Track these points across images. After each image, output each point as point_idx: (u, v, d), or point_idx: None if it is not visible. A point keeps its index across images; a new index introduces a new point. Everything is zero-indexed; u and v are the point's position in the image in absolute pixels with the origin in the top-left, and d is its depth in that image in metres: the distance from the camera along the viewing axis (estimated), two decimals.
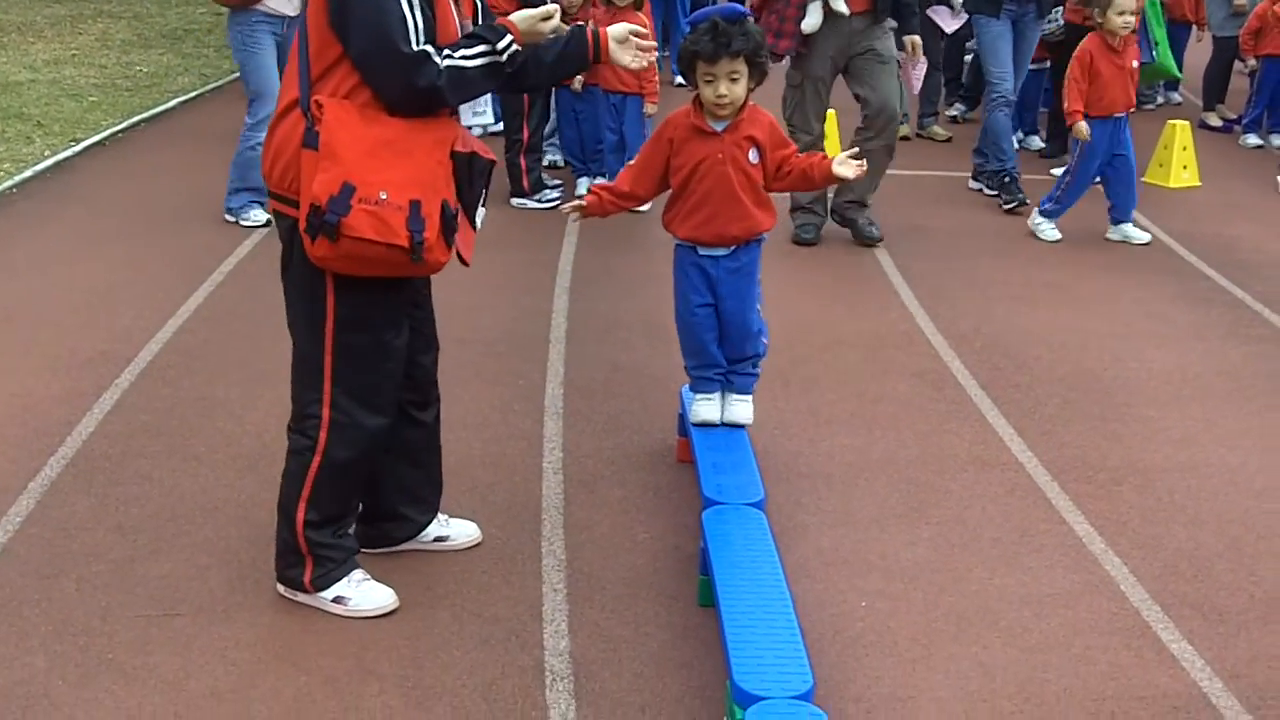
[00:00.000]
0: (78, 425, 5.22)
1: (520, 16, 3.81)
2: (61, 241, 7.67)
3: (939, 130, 10.90)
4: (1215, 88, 11.69)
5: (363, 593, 4.01)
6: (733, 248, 4.60)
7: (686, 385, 4.87)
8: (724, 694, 3.47)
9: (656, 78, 8.78)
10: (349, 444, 3.90)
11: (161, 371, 5.78)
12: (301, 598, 4.03)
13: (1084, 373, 6.09)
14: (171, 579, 4.17)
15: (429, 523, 4.35)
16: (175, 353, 6.00)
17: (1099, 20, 7.88)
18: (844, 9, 7.33)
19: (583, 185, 8.79)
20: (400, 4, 3.55)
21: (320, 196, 3.55)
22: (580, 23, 4.19)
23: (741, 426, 4.70)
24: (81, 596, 4.06)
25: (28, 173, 9.02)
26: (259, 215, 7.80)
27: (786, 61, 7.66)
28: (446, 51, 3.63)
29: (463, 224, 3.77)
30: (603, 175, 8.76)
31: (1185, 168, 9.71)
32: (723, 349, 4.71)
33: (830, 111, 9.78)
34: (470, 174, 3.75)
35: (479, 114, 3.97)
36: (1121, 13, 7.75)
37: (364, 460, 3.99)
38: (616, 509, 4.70)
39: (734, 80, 4.40)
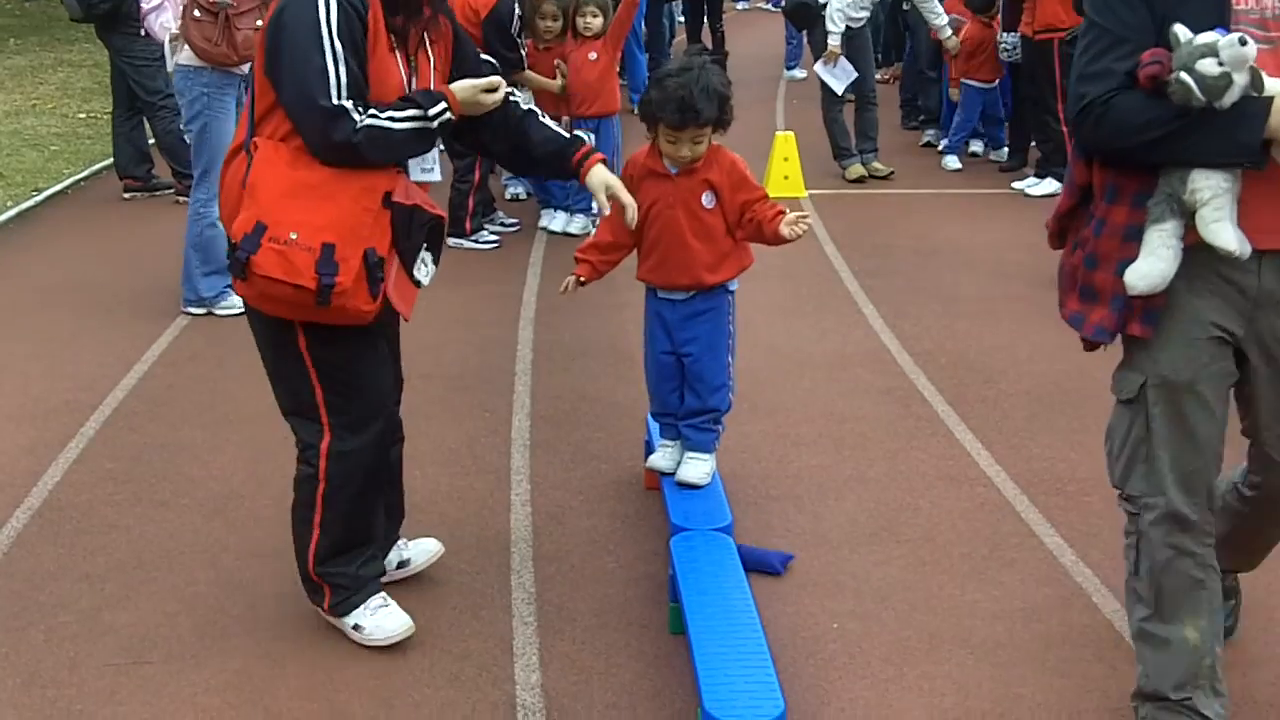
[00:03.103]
0: (43, 475, 5.19)
1: (461, 86, 3.81)
2: (25, 291, 7.64)
3: (879, 166, 10.44)
4: None
5: (376, 621, 4.00)
6: (690, 293, 4.53)
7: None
8: None
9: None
10: (350, 467, 3.89)
11: (126, 418, 5.76)
12: (334, 621, 4.05)
13: (1050, 385, 6.10)
14: (140, 627, 4.14)
15: (388, 558, 4.34)
16: (140, 399, 5.98)
17: None
18: (1234, 244, 3.12)
19: (545, 218, 8.79)
20: (324, 56, 3.54)
21: (237, 235, 3.58)
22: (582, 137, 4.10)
23: (694, 487, 4.54)
24: (50, 647, 4.03)
25: None
26: (239, 301, 7.30)
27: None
28: (374, 110, 3.62)
29: (400, 277, 3.74)
30: (564, 208, 8.77)
31: None
32: (684, 399, 4.64)
33: (789, 134, 9.87)
34: (410, 226, 3.71)
35: (426, 170, 3.94)
36: None
37: (371, 481, 3.98)
38: (585, 539, 4.68)
39: (697, 143, 4.34)
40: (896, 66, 12.59)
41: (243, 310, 6.96)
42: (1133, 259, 3.19)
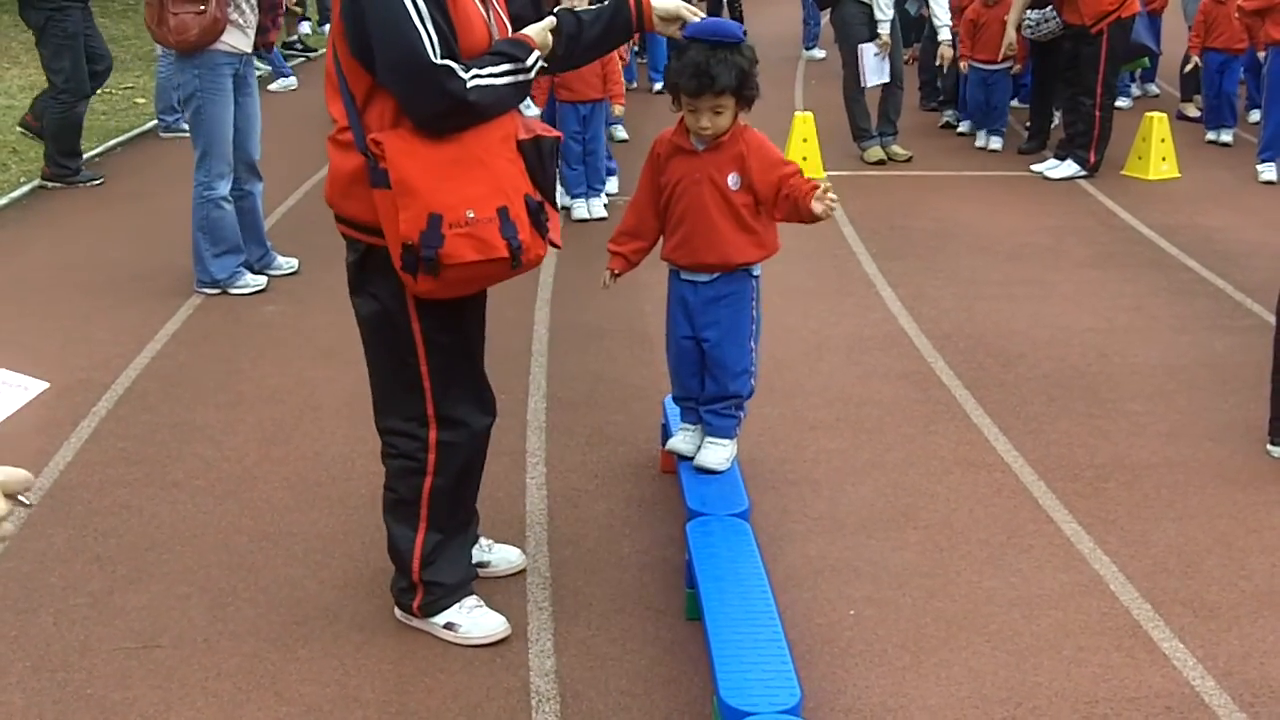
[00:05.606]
0: (55, 455, 5.16)
1: (537, 30, 3.70)
2: (38, 268, 7.62)
3: (899, 150, 10.34)
4: (1192, 79, 11.67)
5: (473, 619, 3.95)
6: (713, 275, 4.42)
7: (670, 396, 4.82)
8: (712, 710, 3.43)
9: (622, 81, 8.78)
10: (458, 454, 3.88)
11: (139, 398, 5.73)
12: (415, 623, 3.99)
13: (1068, 369, 6.06)
14: (151, 610, 4.12)
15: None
16: (153, 378, 5.95)
17: None
18: None
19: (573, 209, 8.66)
20: (412, 19, 3.38)
21: (410, 234, 3.47)
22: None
23: (713, 472, 4.47)
24: (60, 630, 4.01)
25: (3, 200, 8.99)
26: (254, 280, 7.22)
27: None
28: (474, 71, 3.47)
29: (549, 209, 3.69)
30: (580, 195, 8.65)
31: (1164, 159, 9.69)
32: (705, 384, 4.55)
33: (808, 114, 9.82)
34: (540, 159, 3.65)
35: (526, 109, 3.84)
36: None
37: (475, 466, 4.00)
38: (601, 523, 4.65)
39: (718, 113, 4.23)
40: (915, 47, 12.50)
41: (258, 290, 7.07)
42: None
